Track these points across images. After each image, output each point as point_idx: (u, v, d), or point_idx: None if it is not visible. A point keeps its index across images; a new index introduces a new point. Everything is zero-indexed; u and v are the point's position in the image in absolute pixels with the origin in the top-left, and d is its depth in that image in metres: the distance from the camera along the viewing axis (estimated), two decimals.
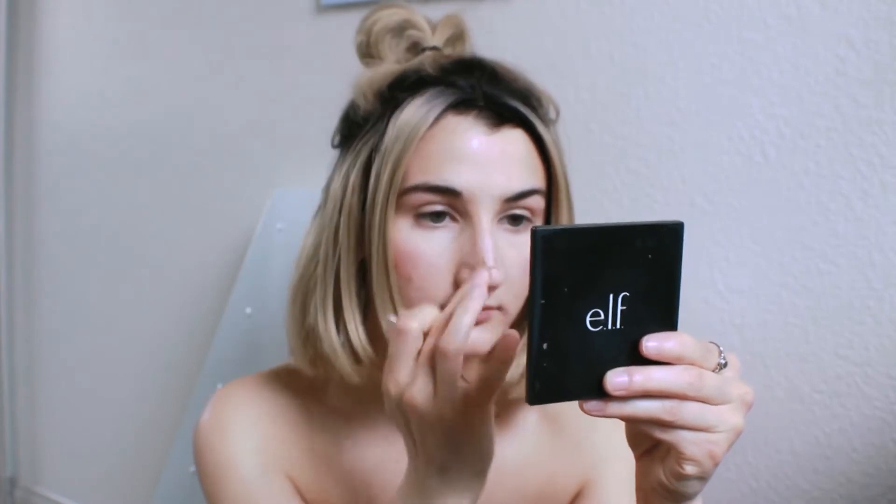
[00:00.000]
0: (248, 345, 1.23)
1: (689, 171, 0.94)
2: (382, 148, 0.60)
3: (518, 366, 0.62)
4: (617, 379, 0.41)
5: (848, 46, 0.85)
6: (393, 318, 0.53)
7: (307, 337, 0.64)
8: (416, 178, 0.59)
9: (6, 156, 1.88)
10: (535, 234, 0.40)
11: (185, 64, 1.47)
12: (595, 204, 1.00)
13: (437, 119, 0.59)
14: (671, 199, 0.96)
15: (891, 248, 0.84)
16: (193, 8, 1.44)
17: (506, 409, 0.70)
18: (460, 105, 0.60)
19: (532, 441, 0.70)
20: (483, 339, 0.60)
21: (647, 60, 0.96)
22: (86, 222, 1.71)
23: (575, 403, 0.43)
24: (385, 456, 0.69)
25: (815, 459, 0.90)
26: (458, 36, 0.70)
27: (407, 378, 0.49)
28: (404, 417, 0.50)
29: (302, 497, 0.68)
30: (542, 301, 0.41)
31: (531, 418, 0.71)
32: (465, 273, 0.58)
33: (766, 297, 0.91)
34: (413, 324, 0.49)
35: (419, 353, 0.49)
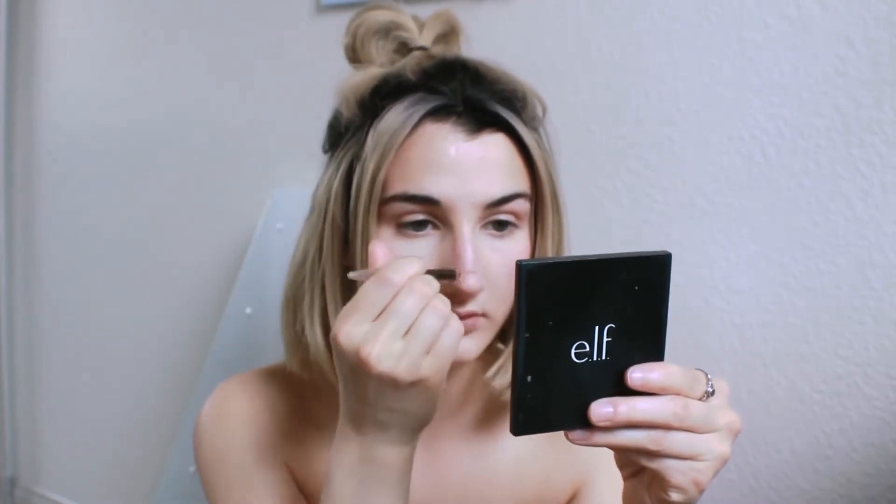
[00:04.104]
0: (248, 345, 1.23)
1: (689, 171, 0.94)
2: (363, 157, 0.59)
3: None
4: (601, 410, 0.41)
5: (848, 46, 0.85)
6: (357, 274, 0.51)
7: (297, 342, 0.65)
8: (396, 188, 0.58)
9: (6, 156, 1.88)
10: (519, 268, 0.40)
11: (184, 64, 1.47)
12: (595, 204, 1.00)
13: (416, 126, 0.58)
14: (671, 199, 0.95)
15: (891, 248, 0.84)
16: (193, 8, 1.44)
17: (500, 411, 0.71)
18: (440, 111, 0.59)
19: (528, 442, 0.70)
20: (469, 348, 0.60)
21: (647, 60, 0.96)
22: (86, 222, 1.71)
23: None
24: None
25: (815, 459, 0.90)
26: (449, 32, 0.68)
27: (364, 334, 0.47)
28: (353, 372, 0.49)
29: (299, 489, 0.69)
30: (527, 335, 0.40)
31: None
32: (444, 281, 0.57)
33: (766, 297, 0.91)
34: (395, 277, 0.48)
35: (385, 309, 0.48)
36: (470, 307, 0.58)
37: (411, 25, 0.66)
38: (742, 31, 0.90)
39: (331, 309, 0.62)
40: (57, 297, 1.81)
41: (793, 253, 0.89)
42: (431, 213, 0.58)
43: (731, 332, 0.93)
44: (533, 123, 0.63)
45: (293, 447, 0.69)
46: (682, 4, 0.93)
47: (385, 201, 0.59)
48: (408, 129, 0.58)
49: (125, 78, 1.58)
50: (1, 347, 1.92)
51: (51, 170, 1.78)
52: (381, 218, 0.59)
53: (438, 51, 0.66)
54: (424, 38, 0.66)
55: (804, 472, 0.90)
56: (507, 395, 0.64)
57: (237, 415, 0.69)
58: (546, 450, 0.70)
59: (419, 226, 0.59)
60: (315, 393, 0.71)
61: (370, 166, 0.58)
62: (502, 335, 0.67)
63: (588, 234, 1.00)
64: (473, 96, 0.60)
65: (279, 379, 0.72)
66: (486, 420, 0.71)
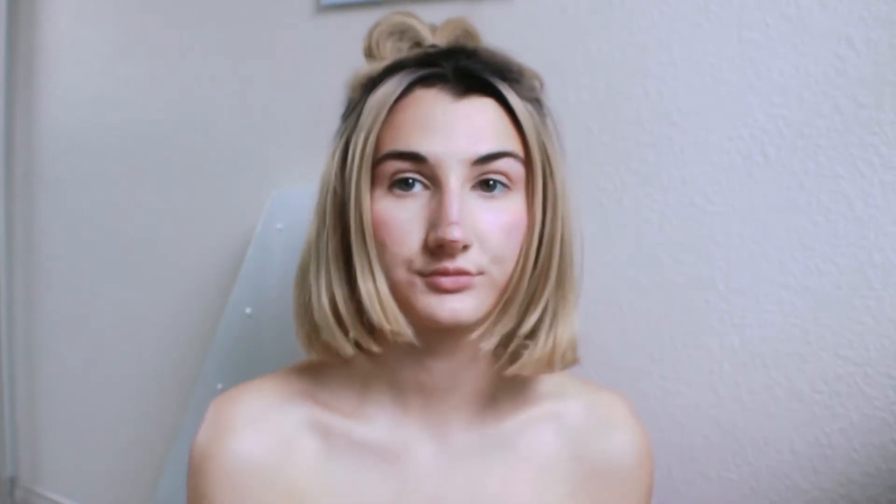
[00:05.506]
0: (248, 345, 1.23)
1: (689, 171, 0.94)
2: (358, 125, 0.63)
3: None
4: None
5: (848, 46, 0.85)
6: None
7: (305, 314, 0.67)
8: (387, 148, 0.62)
9: (6, 156, 1.88)
10: None
11: (184, 64, 1.47)
12: (595, 204, 1.00)
13: (408, 92, 0.62)
14: (671, 199, 0.95)
15: (891, 248, 0.84)
16: (193, 8, 1.44)
17: (507, 386, 0.71)
18: (430, 78, 0.63)
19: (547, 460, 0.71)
20: (466, 307, 0.61)
21: (647, 60, 0.96)
22: (86, 222, 1.71)
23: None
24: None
25: (815, 459, 0.90)
26: (464, 37, 0.71)
27: None
28: None
29: None
30: None
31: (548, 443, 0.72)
32: (431, 234, 0.60)
33: (766, 297, 0.91)
34: None
35: None
36: (460, 263, 0.60)
37: (426, 29, 0.70)
38: (742, 31, 0.90)
39: (333, 277, 0.64)
40: (57, 296, 1.81)
41: (793, 253, 0.89)
42: (420, 172, 0.61)
43: (731, 332, 0.93)
44: (528, 95, 0.65)
45: (297, 476, 0.68)
46: (682, 4, 0.93)
47: (378, 162, 0.62)
48: (398, 93, 0.62)
49: (125, 78, 1.58)
50: (1, 347, 1.92)
51: (51, 170, 1.78)
52: (374, 180, 0.62)
53: None
54: (437, 40, 0.69)
55: (804, 472, 0.90)
56: (512, 370, 0.65)
57: (235, 463, 0.67)
58: (571, 463, 0.71)
59: (407, 185, 0.61)
60: (321, 391, 0.71)
61: (363, 130, 0.62)
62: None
63: (588, 234, 1.00)
64: (465, 66, 0.63)
65: (280, 390, 0.71)
66: (505, 412, 0.71)
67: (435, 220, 0.60)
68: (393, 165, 0.61)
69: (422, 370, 0.67)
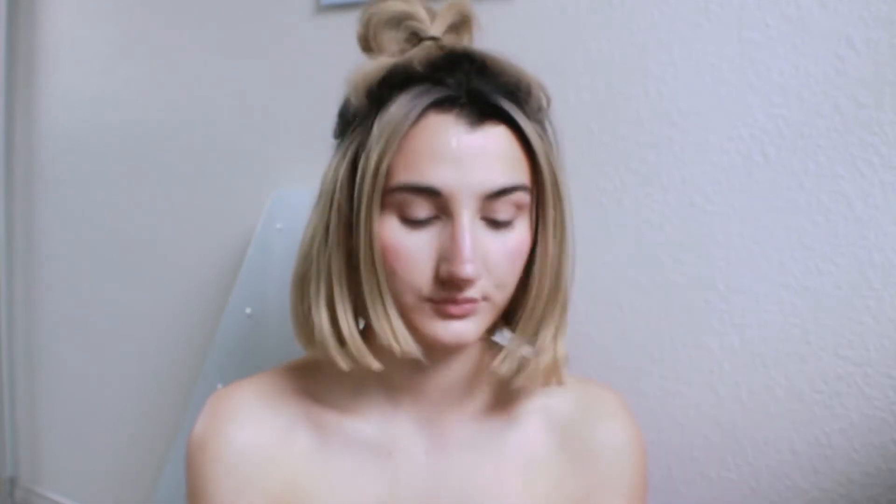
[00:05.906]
0: (248, 345, 1.23)
1: (689, 171, 0.94)
2: (368, 146, 0.61)
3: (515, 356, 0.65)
4: None
5: (848, 46, 0.85)
6: None
7: (305, 320, 0.67)
8: (400, 178, 0.60)
9: (6, 156, 1.88)
10: None
11: (184, 64, 1.47)
12: (595, 204, 1.00)
13: (421, 117, 0.60)
14: (671, 199, 0.96)
15: (891, 248, 0.84)
16: (193, 8, 1.44)
17: (512, 398, 0.71)
18: (444, 102, 0.61)
19: (539, 440, 0.71)
20: (468, 329, 0.62)
21: (647, 60, 0.96)
22: (86, 222, 1.71)
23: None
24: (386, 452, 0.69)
25: (815, 459, 0.90)
26: (461, 22, 0.69)
27: None
28: None
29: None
30: None
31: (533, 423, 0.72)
32: (443, 268, 0.60)
33: (766, 297, 0.91)
34: None
35: None
36: (469, 293, 0.61)
37: (423, 16, 0.67)
38: (742, 31, 0.90)
39: (336, 294, 0.64)
40: (57, 296, 1.81)
41: (793, 253, 0.89)
42: (433, 203, 0.60)
43: (731, 332, 0.93)
44: (536, 116, 0.64)
45: (291, 469, 0.69)
46: (682, 4, 0.93)
47: (389, 191, 0.60)
48: (412, 120, 0.60)
49: (125, 78, 1.58)
50: (1, 347, 1.92)
51: (51, 170, 1.79)
52: (385, 205, 0.61)
53: (449, 41, 0.67)
54: (436, 29, 0.67)
55: (804, 472, 0.90)
56: (518, 382, 0.66)
57: (232, 451, 0.67)
58: (559, 452, 0.71)
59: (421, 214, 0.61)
60: (316, 388, 0.71)
61: (374, 156, 0.60)
62: (507, 320, 0.69)
63: (588, 234, 1.00)
64: (477, 88, 0.61)
65: (276, 386, 0.71)
66: (496, 407, 0.72)
67: (447, 254, 0.60)
68: (405, 197, 0.60)
69: (417, 374, 0.69)
